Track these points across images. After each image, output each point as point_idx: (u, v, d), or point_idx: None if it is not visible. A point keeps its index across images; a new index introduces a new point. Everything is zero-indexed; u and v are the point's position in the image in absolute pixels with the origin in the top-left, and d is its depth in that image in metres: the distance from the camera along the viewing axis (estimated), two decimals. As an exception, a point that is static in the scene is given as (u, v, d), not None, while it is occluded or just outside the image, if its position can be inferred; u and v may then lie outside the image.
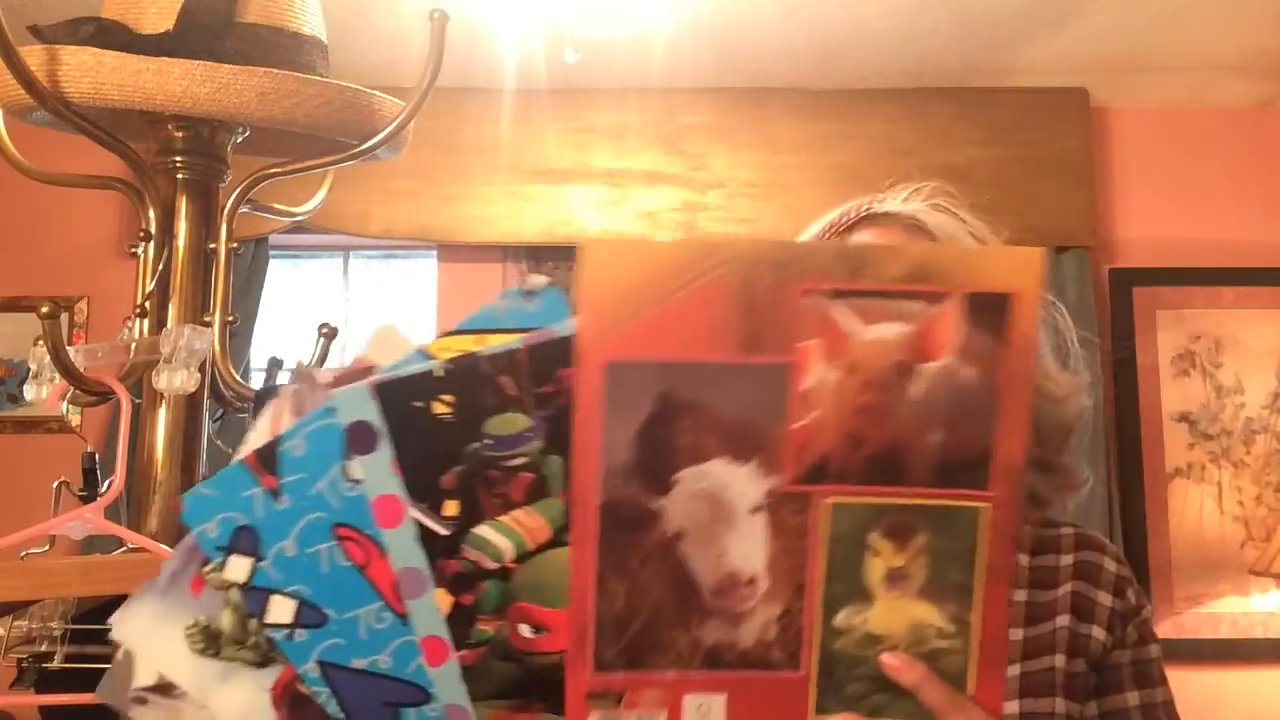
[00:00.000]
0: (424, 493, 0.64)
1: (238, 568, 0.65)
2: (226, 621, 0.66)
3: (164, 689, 0.67)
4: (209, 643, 0.67)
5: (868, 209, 0.98)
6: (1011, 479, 0.63)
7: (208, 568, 0.67)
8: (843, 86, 3.04)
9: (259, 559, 0.65)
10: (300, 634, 0.65)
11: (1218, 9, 2.62)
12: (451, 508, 0.65)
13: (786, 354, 0.61)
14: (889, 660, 0.64)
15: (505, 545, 0.65)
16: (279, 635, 0.65)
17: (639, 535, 0.62)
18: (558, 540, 0.65)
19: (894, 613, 0.65)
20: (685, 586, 0.63)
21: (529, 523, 0.65)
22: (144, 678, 0.68)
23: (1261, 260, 3.08)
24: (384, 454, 0.64)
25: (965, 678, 0.65)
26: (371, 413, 0.64)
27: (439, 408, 0.64)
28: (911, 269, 0.61)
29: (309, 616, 0.65)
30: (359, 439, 0.64)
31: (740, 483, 0.62)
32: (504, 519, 0.65)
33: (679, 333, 0.61)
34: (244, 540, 0.65)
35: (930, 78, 3.01)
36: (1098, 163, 3.10)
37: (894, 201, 0.98)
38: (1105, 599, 0.93)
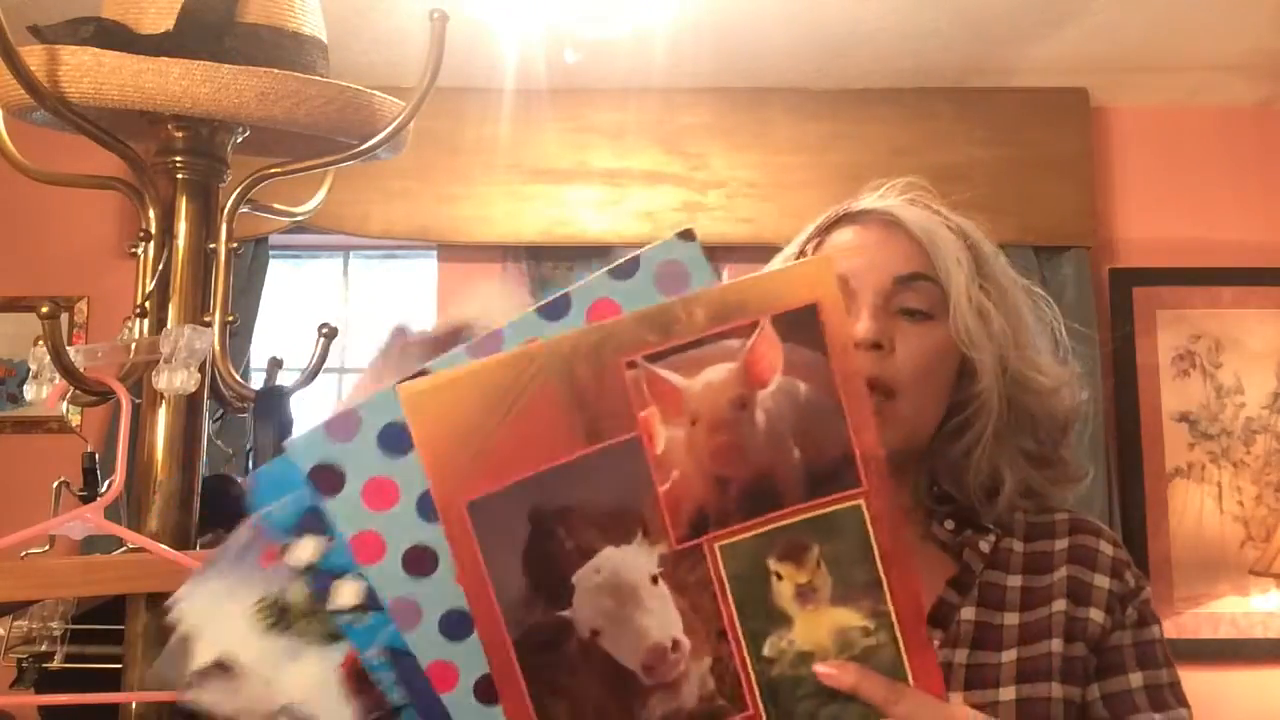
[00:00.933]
0: None
1: (305, 549, 0.64)
2: (297, 595, 0.65)
3: (224, 668, 0.65)
4: (278, 618, 0.65)
5: (845, 210, 0.98)
6: (877, 469, 0.66)
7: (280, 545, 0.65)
8: (842, 86, 3.04)
9: (327, 540, 0.64)
10: (366, 618, 0.64)
11: (1218, 9, 2.62)
12: None
13: (630, 429, 0.63)
14: (822, 670, 0.66)
15: None
16: (344, 619, 0.64)
17: (559, 651, 0.63)
18: None
19: (816, 626, 0.66)
20: (618, 676, 0.64)
21: None
22: (203, 657, 0.66)
23: (1261, 260, 3.08)
24: (352, 491, 0.63)
25: (900, 667, 0.67)
26: (335, 453, 0.63)
27: None
28: (715, 310, 0.64)
29: (376, 600, 0.64)
30: (324, 482, 0.63)
31: (632, 561, 0.64)
32: None
33: (524, 449, 0.62)
34: (312, 521, 0.64)
35: (930, 78, 3.01)
36: (1098, 163, 3.10)
37: (870, 199, 0.99)
38: (1102, 581, 0.93)
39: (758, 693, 0.66)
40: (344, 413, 0.63)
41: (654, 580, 0.64)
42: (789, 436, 0.64)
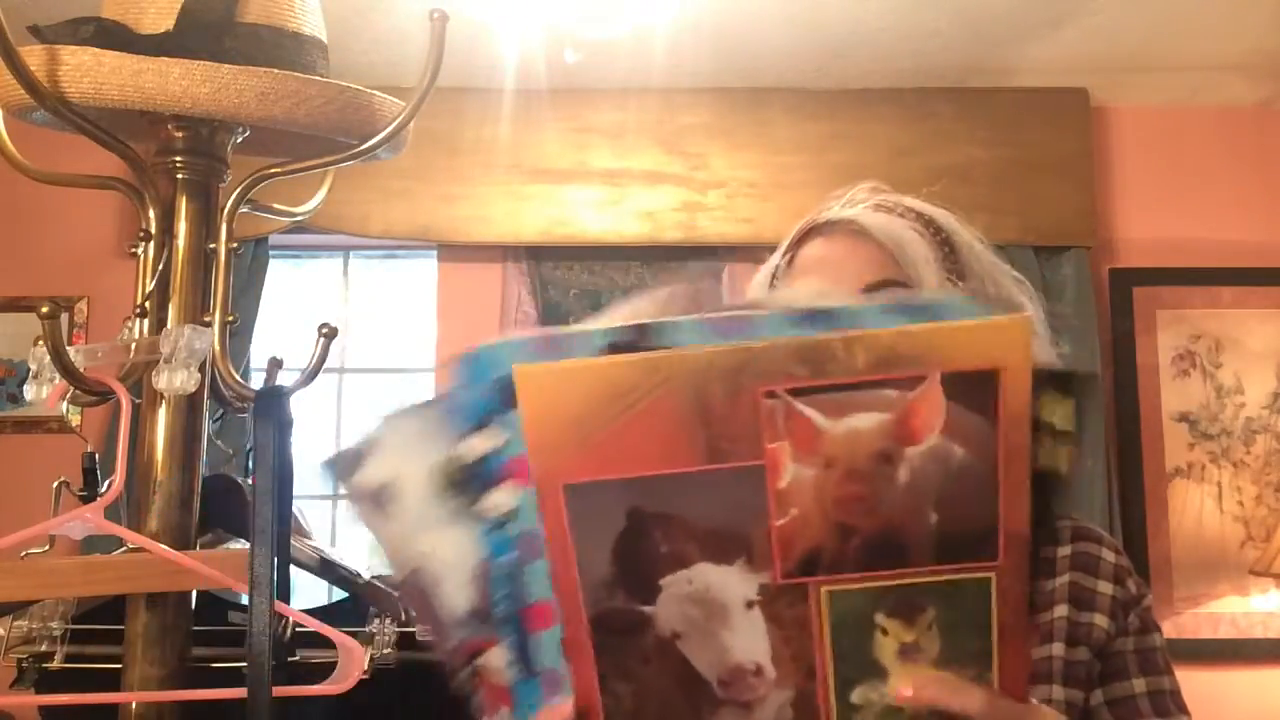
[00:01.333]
0: None
1: (479, 443, 0.62)
2: None
3: (387, 491, 0.63)
4: (455, 482, 0.63)
5: (812, 222, 0.98)
6: (1018, 546, 0.61)
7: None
8: (843, 86, 3.04)
9: (503, 442, 0.61)
10: (507, 530, 0.63)
11: (1218, 9, 2.62)
12: None
13: (755, 457, 0.59)
14: (903, 693, 0.62)
15: None
16: (487, 523, 0.63)
17: (635, 639, 0.61)
18: None
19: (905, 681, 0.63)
20: (693, 680, 0.62)
21: None
22: (373, 472, 0.63)
23: (1261, 260, 3.08)
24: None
25: None
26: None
27: None
28: (881, 356, 0.58)
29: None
30: (509, 394, 0.59)
31: (729, 582, 0.61)
32: None
33: (636, 450, 0.58)
34: (496, 418, 0.61)
35: (930, 78, 3.01)
36: (1098, 163, 3.11)
37: (835, 209, 0.99)
38: (1106, 588, 0.94)
39: None
40: (552, 334, 0.60)
41: (749, 605, 0.61)
42: (930, 499, 0.60)
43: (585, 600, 0.61)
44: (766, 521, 0.60)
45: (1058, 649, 0.90)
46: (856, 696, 0.63)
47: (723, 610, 0.61)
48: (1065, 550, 0.95)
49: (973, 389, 0.58)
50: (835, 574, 0.61)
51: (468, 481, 0.63)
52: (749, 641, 0.62)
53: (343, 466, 0.64)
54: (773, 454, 0.59)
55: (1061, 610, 0.92)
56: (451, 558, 0.63)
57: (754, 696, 0.62)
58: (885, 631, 0.62)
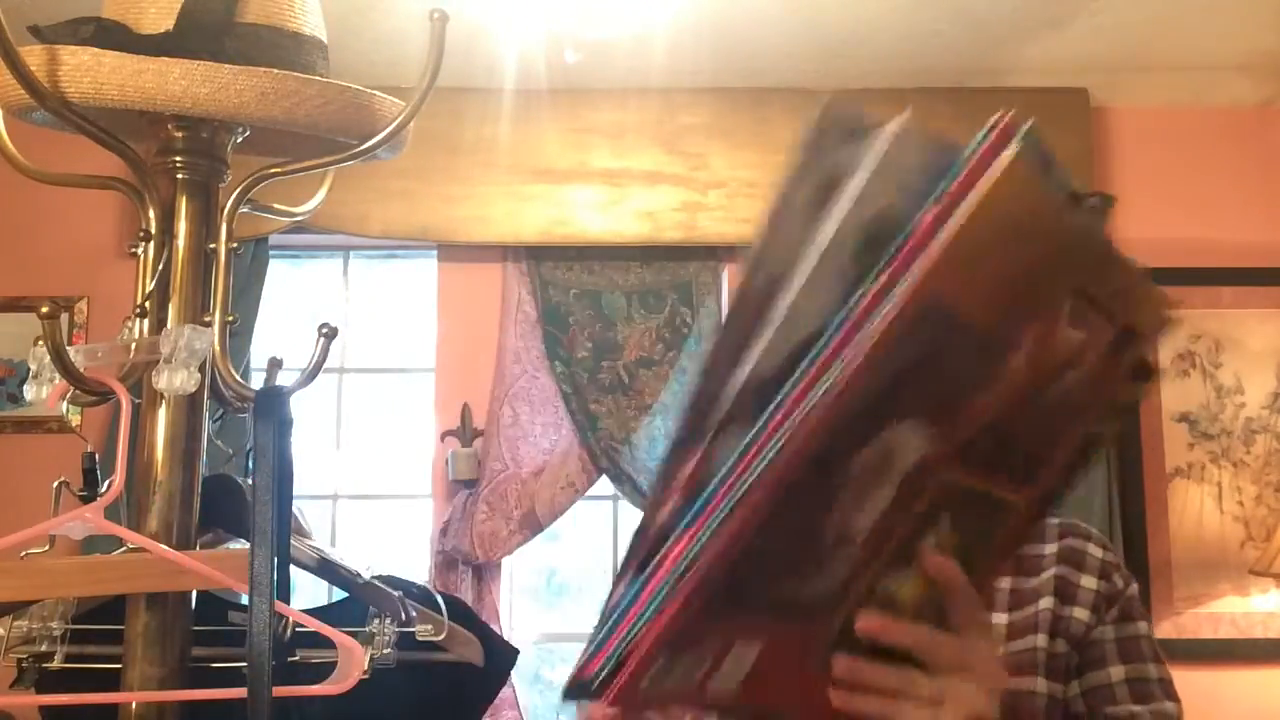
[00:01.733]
0: None
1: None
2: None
3: (836, 186, 0.58)
4: (871, 242, 0.58)
5: None
6: (1045, 485, 0.65)
7: None
8: (842, 86, 3.04)
9: None
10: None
11: (1218, 9, 2.62)
12: None
13: (1020, 334, 0.60)
14: (935, 561, 0.64)
15: None
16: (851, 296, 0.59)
17: (803, 500, 0.58)
18: None
19: (917, 580, 0.66)
20: (799, 548, 0.60)
21: None
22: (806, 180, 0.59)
23: (1261, 260, 3.08)
24: None
25: None
26: None
27: None
28: (1129, 282, 0.63)
29: None
30: None
31: (909, 447, 0.59)
32: None
33: (981, 288, 0.56)
34: None
35: (930, 78, 3.01)
36: (1098, 163, 3.10)
37: None
38: (1089, 582, 0.95)
39: (845, 613, 0.65)
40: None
41: (896, 480, 0.60)
42: (1046, 419, 0.63)
43: (826, 424, 0.55)
44: (974, 397, 0.60)
45: (1041, 640, 0.92)
46: (882, 585, 0.65)
47: (884, 475, 0.60)
48: (1052, 548, 0.97)
49: (1122, 341, 0.63)
50: (963, 467, 0.62)
51: (880, 249, 0.57)
52: (862, 518, 0.61)
53: (842, 113, 0.60)
54: (1027, 334, 0.60)
55: (1046, 603, 0.93)
56: (800, 309, 0.57)
57: (832, 566, 0.62)
58: (939, 529, 0.65)
